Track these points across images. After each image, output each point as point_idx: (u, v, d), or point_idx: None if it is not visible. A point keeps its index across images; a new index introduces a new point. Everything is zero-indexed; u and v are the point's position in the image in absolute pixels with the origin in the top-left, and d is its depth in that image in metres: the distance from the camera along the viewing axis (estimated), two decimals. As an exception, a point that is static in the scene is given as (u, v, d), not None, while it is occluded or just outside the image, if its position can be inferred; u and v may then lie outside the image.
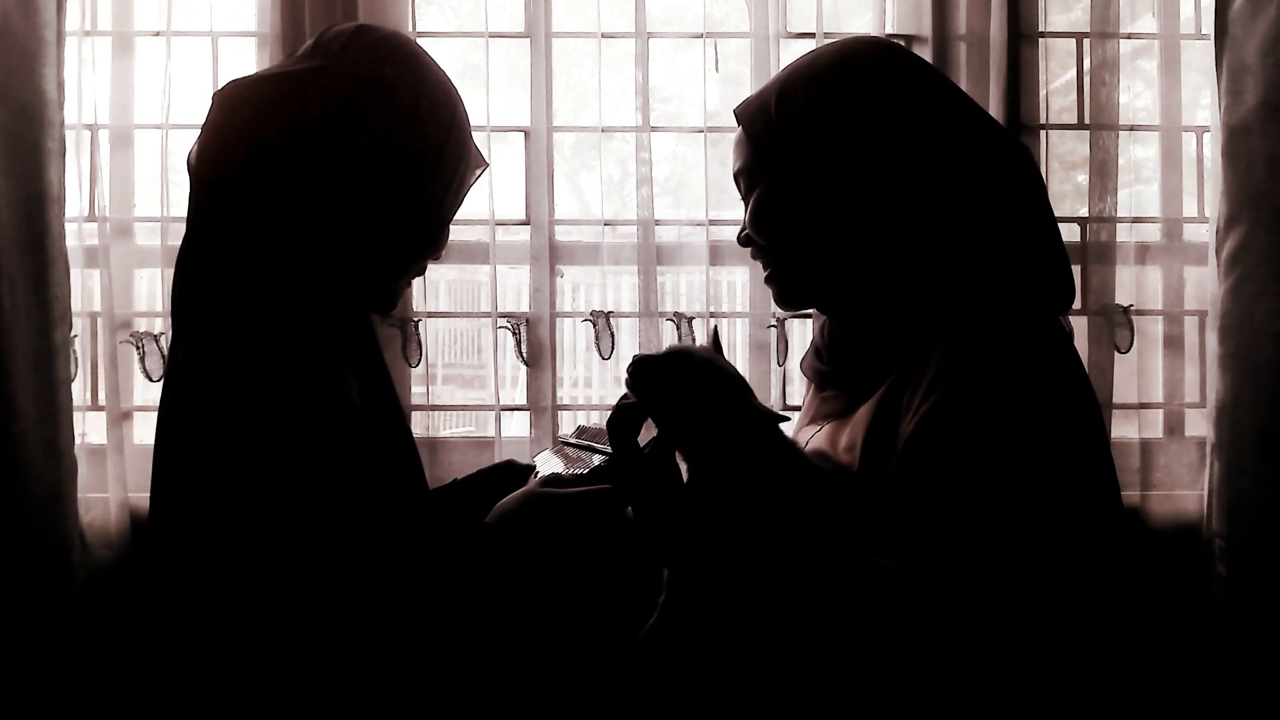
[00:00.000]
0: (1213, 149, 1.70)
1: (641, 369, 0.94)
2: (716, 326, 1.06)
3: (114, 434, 1.64)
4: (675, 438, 0.96)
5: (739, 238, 1.08)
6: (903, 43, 1.82)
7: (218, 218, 0.96)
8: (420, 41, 1.74)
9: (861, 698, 0.88)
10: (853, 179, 0.95)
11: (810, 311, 1.74)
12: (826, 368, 1.07)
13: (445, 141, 1.03)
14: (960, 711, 0.86)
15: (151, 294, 1.76)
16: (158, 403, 1.68)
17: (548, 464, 1.12)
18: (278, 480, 0.89)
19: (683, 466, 0.98)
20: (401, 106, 0.99)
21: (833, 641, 0.87)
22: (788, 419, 0.97)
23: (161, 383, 1.69)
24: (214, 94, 1.00)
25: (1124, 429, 1.75)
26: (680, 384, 0.92)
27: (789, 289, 1.05)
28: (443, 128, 1.02)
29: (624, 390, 0.97)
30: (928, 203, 0.94)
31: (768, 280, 1.07)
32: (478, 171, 1.10)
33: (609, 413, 0.96)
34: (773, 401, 1.73)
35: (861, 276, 0.98)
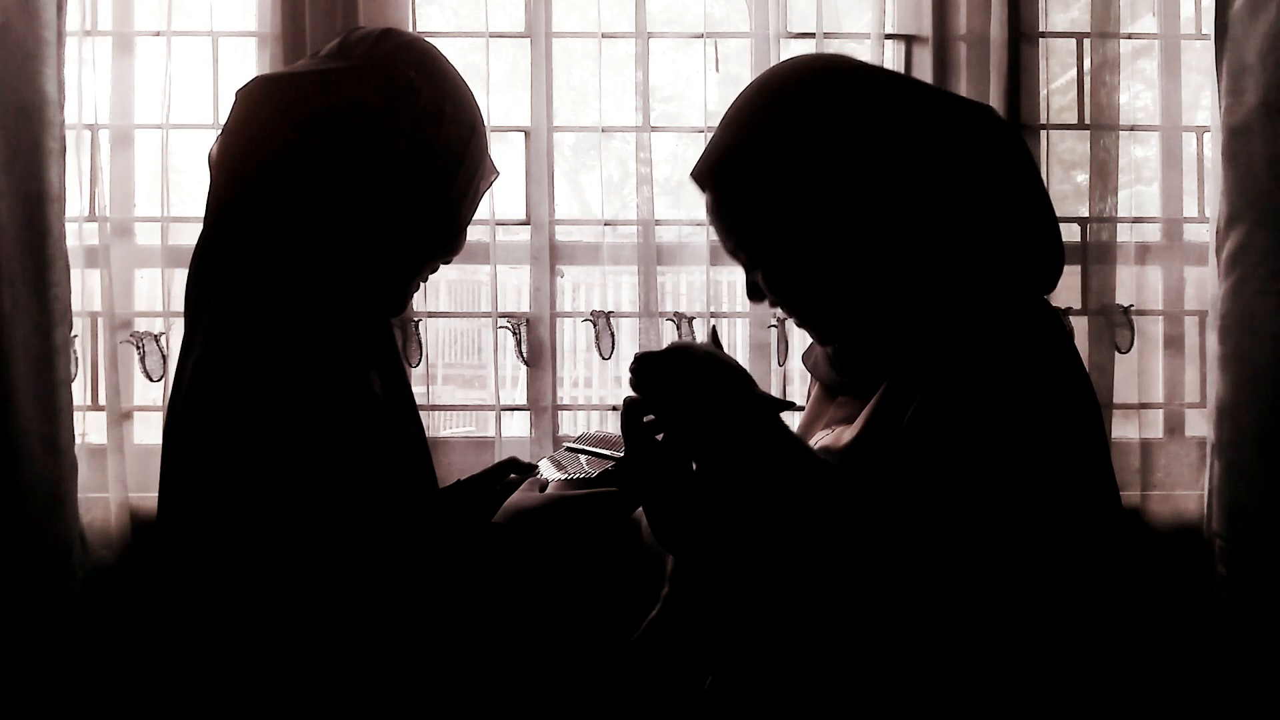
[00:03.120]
0: (1213, 149, 1.70)
1: (644, 366, 0.94)
2: (715, 325, 1.06)
3: (114, 434, 1.65)
4: (681, 432, 0.96)
5: (749, 295, 1.03)
6: (903, 43, 1.83)
7: (243, 214, 0.96)
8: (420, 41, 1.75)
9: (865, 690, 0.88)
10: (854, 215, 0.92)
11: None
12: (841, 379, 1.06)
13: (466, 147, 1.03)
14: (960, 706, 0.86)
15: (151, 294, 1.76)
16: (158, 402, 1.70)
17: (551, 468, 1.12)
18: (307, 477, 0.89)
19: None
20: (427, 110, 0.99)
21: (836, 629, 0.87)
22: (792, 404, 0.97)
23: (164, 381, 1.71)
24: (238, 90, 1.00)
25: (1124, 429, 1.75)
26: (682, 378, 0.93)
27: (826, 329, 1.02)
28: (464, 133, 1.03)
29: (625, 389, 0.98)
30: (925, 214, 0.92)
31: (801, 324, 1.03)
32: (491, 179, 1.11)
33: (610, 413, 0.96)
34: (773, 401, 1.73)
35: (877, 299, 0.96)
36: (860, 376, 1.03)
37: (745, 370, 0.96)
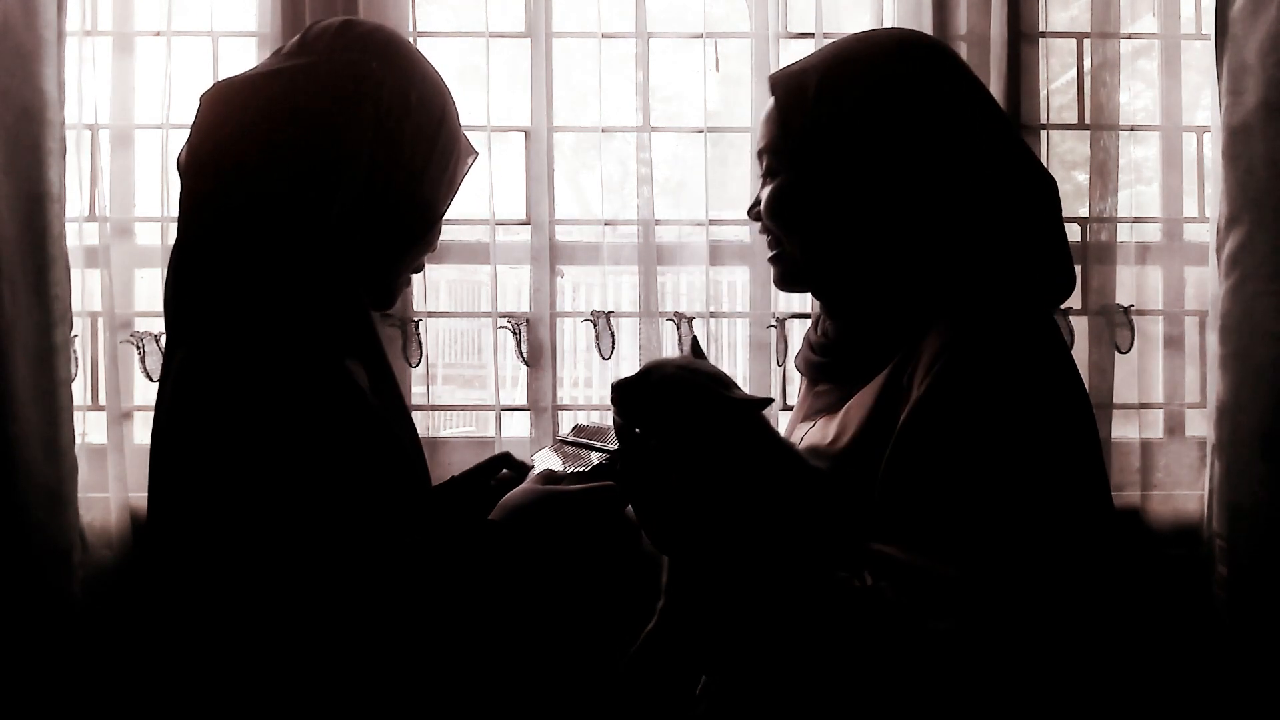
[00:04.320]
0: (1213, 149, 1.70)
1: (621, 391, 0.98)
2: (695, 336, 1.09)
3: (114, 434, 1.65)
4: (665, 444, 0.97)
5: (750, 211, 1.08)
6: (903, 43, 1.83)
7: (216, 219, 0.96)
8: (420, 41, 1.75)
9: (864, 696, 0.88)
10: (885, 179, 0.95)
11: (809, 311, 1.74)
12: (820, 359, 1.08)
13: (437, 132, 1.03)
14: (956, 708, 0.86)
15: (152, 294, 1.76)
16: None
17: (546, 462, 1.12)
18: (293, 476, 0.89)
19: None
20: (392, 100, 0.98)
21: (832, 635, 0.87)
22: (770, 401, 0.98)
23: (159, 384, 1.71)
24: (201, 95, 0.99)
25: (1124, 429, 1.75)
26: (652, 398, 0.96)
27: (794, 272, 1.06)
28: (434, 119, 1.03)
29: None
30: (951, 203, 0.95)
31: (773, 260, 1.07)
32: (469, 161, 1.10)
33: (609, 412, 0.97)
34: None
35: (871, 268, 0.99)
36: (839, 359, 1.04)
37: (721, 375, 0.98)
